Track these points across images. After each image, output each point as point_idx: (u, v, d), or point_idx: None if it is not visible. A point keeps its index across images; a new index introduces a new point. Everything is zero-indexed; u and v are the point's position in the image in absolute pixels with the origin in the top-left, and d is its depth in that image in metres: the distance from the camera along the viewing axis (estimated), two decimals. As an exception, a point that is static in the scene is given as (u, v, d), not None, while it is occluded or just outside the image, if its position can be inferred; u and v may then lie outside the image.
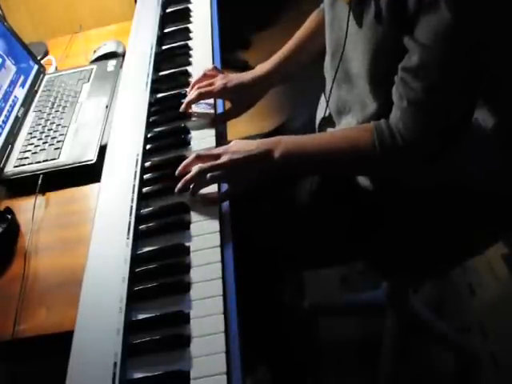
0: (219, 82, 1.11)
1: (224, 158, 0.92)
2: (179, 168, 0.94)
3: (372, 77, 0.92)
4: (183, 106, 1.09)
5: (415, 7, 0.79)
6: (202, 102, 1.11)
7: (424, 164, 0.92)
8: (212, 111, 1.10)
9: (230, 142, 0.96)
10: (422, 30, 0.80)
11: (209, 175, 0.91)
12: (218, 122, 1.09)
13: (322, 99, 1.16)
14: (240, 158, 0.91)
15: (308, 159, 0.95)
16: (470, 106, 0.88)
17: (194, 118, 1.10)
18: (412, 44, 0.82)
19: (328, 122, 1.10)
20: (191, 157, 0.94)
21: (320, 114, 1.15)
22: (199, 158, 0.93)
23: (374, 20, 0.86)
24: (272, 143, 0.93)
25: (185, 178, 0.92)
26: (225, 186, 0.95)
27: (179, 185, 0.92)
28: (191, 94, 1.10)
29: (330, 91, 1.05)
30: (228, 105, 1.14)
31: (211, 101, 1.12)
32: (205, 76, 1.14)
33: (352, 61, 0.95)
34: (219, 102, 1.14)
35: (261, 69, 1.15)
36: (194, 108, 1.11)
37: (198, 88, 1.10)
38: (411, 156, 0.90)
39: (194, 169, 0.92)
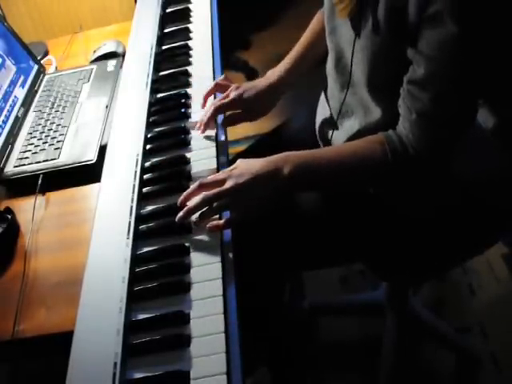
0: (233, 93, 1.08)
1: (229, 184, 0.86)
2: (181, 198, 0.89)
3: (372, 84, 0.92)
4: (201, 126, 1.04)
5: (416, 20, 0.78)
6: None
7: (436, 170, 0.91)
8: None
9: (234, 161, 0.91)
10: (427, 43, 0.79)
11: (214, 204, 0.87)
12: (227, 126, 1.08)
13: (322, 98, 1.15)
14: (246, 181, 0.86)
15: (318, 172, 0.91)
16: (475, 109, 0.88)
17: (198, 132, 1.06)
18: (417, 56, 0.81)
19: (329, 123, 1.10)
20: (194, 185, 0.88)
21: (320, 113, 1.14)
22: (202, 186, 0.87)
23: (371, 31, 0.86)
24: (279, 160, 0.88)
25: (188, 207, 0.87)
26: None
27: (181, 213, 0.87)
28: (208, 110, 1.05)
29: (332, 94, 1.04)
30: None
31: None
32: (216, 85, 1.12)
33: (354, 67, 0.95)
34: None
35: (273, 76, 1.13)
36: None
37: (213, 104, 1.06)
38: (424, 165, 0.89)
39: (198, 197, 0.86)
